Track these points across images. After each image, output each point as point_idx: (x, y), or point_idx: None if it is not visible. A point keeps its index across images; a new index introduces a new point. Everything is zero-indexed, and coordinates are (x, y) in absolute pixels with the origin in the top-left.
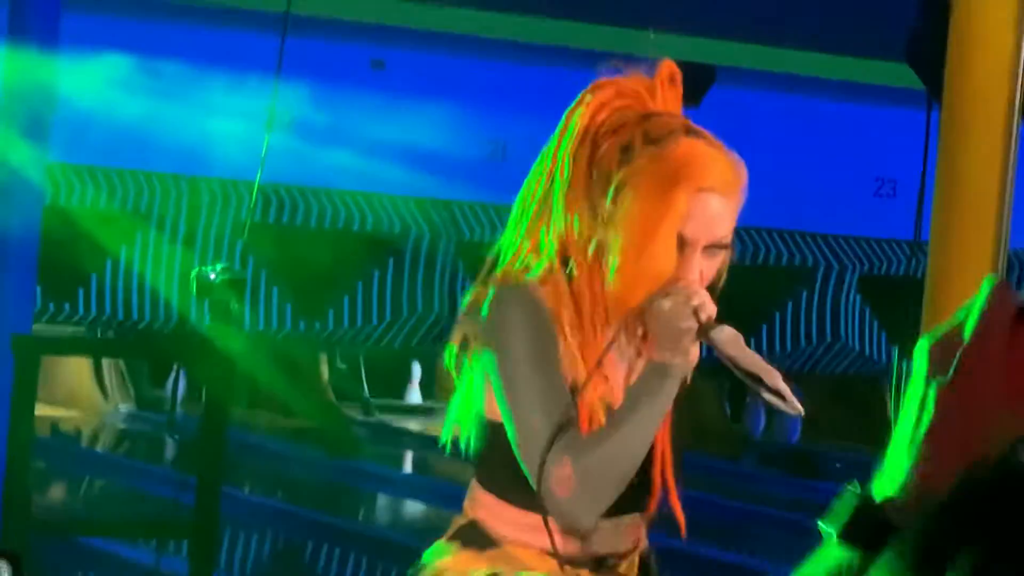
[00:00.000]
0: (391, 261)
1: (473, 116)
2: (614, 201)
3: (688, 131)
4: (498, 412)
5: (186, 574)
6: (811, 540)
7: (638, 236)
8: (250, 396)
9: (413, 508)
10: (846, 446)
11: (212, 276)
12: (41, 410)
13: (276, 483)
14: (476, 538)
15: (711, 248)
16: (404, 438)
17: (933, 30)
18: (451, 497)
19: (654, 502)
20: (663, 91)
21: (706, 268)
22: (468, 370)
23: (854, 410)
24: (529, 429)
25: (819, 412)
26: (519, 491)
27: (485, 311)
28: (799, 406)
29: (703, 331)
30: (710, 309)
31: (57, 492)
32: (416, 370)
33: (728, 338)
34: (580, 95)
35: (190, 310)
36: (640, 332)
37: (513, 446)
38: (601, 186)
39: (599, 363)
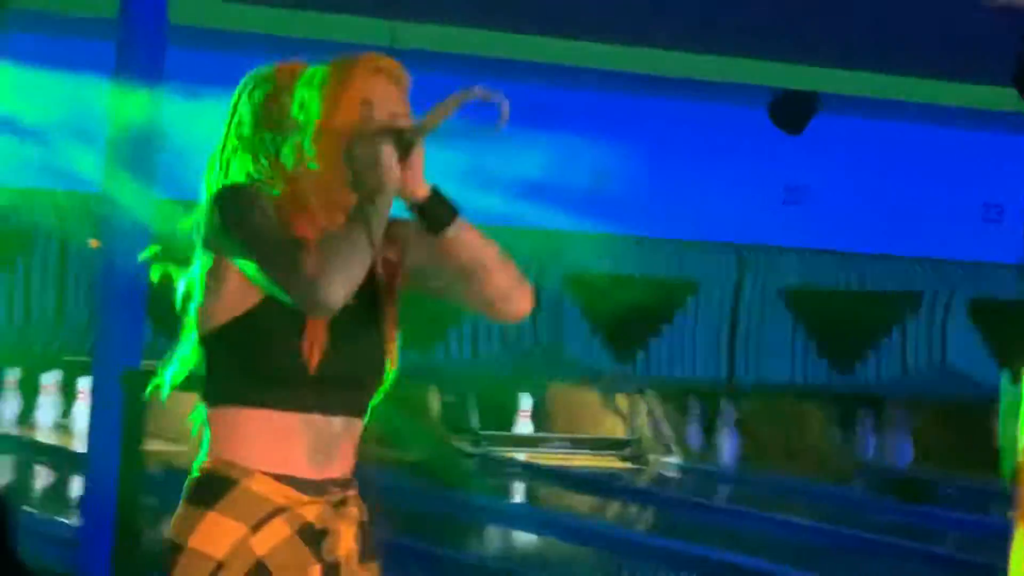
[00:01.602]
0: None
1: (573, 147)
2: (302, 108)
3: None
4: (220, 318)
5: None
6: (919, 566)
7: (330, 107)
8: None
9: (523, 539)
10: (955, 472)
11: None
12: (154, 445)
13: (383, 515)
14: (215, 487)
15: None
16: (512, 468)
17: None
18: (560, 527)
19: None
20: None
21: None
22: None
23: (963, 435)
24: (283, 260)
25: (929, 437)
26: (254, 387)
27: (211, 219)
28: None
29: (398, 138)
30: (409, 122)
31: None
32: (525, 401)
33: (414, 121)
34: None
35: None
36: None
37: (278, 290)
38: (284, 114)
39: None
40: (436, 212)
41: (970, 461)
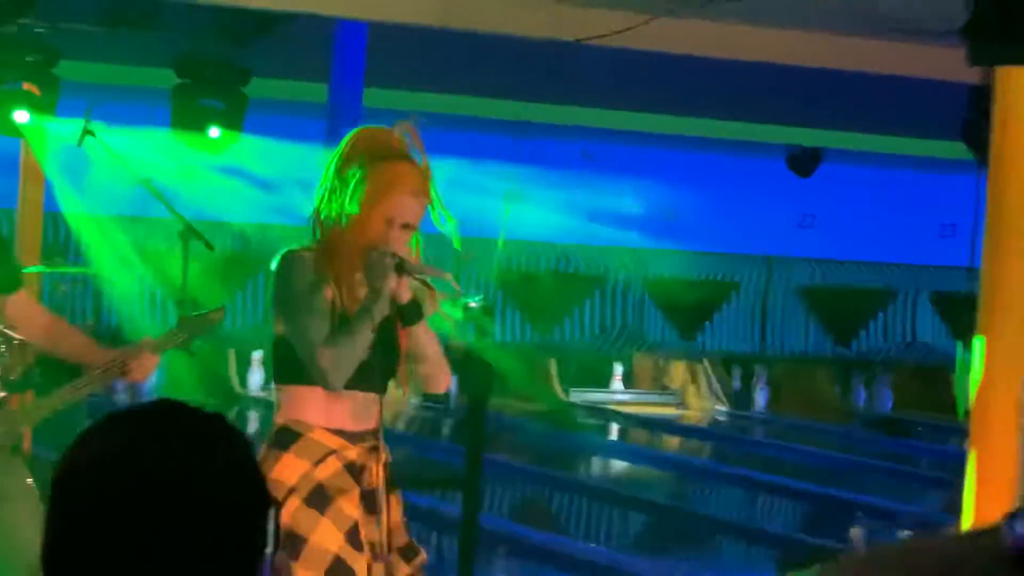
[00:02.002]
0: (597, 292)
1: (652, 190)
2: (352, 195)
3: (405, 157)
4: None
5: (459, 515)
6: (901, 480)
7: (363, 217)
8: (501, 388)
9: (617, 465)
10: (924, 414)
11: (472, 304)
12: None
13: (520, 450)
14: (287, 437)
15: (407, 226)
16: (609, 415)
17: (979, 117)
18: (641, 455)
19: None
20: (403, 141)
21: (403, 237)
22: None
23: (929, 388)
24: (307, 338)
25: (904, 390)
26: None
27: (274, 274)
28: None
29: (397, 267)
30: (409, 259)
31: None
32: (617, 368)
33: (410, 263)
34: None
35: (458, 328)
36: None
37: (297, 349)
38: (344, 184)
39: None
40: (409, 312)
41: (935, 406)
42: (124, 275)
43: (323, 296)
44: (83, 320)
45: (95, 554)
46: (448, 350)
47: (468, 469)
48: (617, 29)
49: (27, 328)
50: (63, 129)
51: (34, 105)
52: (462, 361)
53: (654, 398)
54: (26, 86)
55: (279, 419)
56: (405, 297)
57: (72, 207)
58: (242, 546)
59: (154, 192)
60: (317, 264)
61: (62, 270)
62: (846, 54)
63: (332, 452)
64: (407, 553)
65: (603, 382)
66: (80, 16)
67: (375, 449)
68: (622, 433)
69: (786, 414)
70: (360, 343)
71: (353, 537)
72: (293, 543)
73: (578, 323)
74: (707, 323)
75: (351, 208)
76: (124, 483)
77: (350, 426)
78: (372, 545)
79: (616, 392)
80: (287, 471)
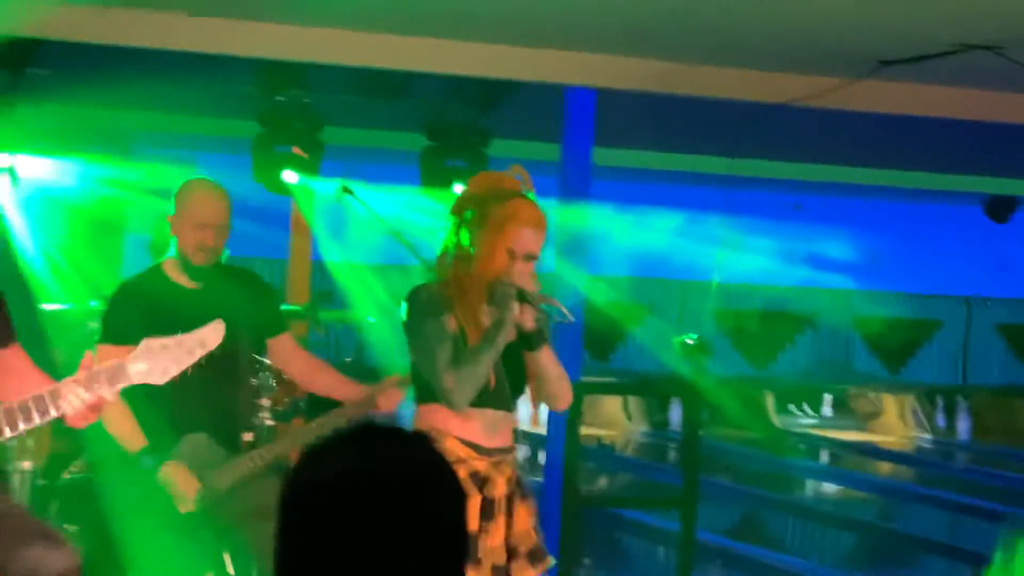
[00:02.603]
0: (808, 330)
1: (860, 236)
2: (475, 232)
3: (521, 195)
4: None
5: (678, 530)
6: None
7: (487, 250)
8: (719, 417)
9: (826, 487)
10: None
11: (689, 342)
12: (590, 430)
13: (737, 472)
14: None
15: (529, 257)
16: (819, 442)
17: None
18: (852, 479)
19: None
20: (517, 181)
21: (525, 268)
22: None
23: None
24: (433, 364)
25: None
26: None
27: (405, 308)
28: (568, 314)
29: (519, 296)
30: (527, 286)
31: (600, 481)
32: (827, 398)
33: (531, 293)
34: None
35: (679, 363)
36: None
37: (424, 373)
38: (467, 223)
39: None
40: (533, 339)
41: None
42: (379, 317)
43: (447, 326)
44: (343, 358)
45: (331, 564)
46: (669, 382)
47: (685, 489)
48: (820, 92)
49: (288, 367)
50: (326, 188)
51: (302, 167)
52: (682, 392)
53: (861, 426)
54: (295, 150)
55: (418, 424)
56: (529, 324)
57: (334, 257)
58: (457, 551)
59: (404, 243)
60: (443, 296)
61: (326, 315)
62: None
63: (460, 461)
64: (533, 557)
65: (814, 411)
66: (342, 88)
67: (501, 464)
68: (831, 458)
69: (986, 442)
70: (482, 368)
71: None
72: None
73: (790, 358)
74: (910, 358)
75: (475, 243)
76: (355, 494)
77: (481, 440)
78: (490, 545)
79: (826, 420)
80: None
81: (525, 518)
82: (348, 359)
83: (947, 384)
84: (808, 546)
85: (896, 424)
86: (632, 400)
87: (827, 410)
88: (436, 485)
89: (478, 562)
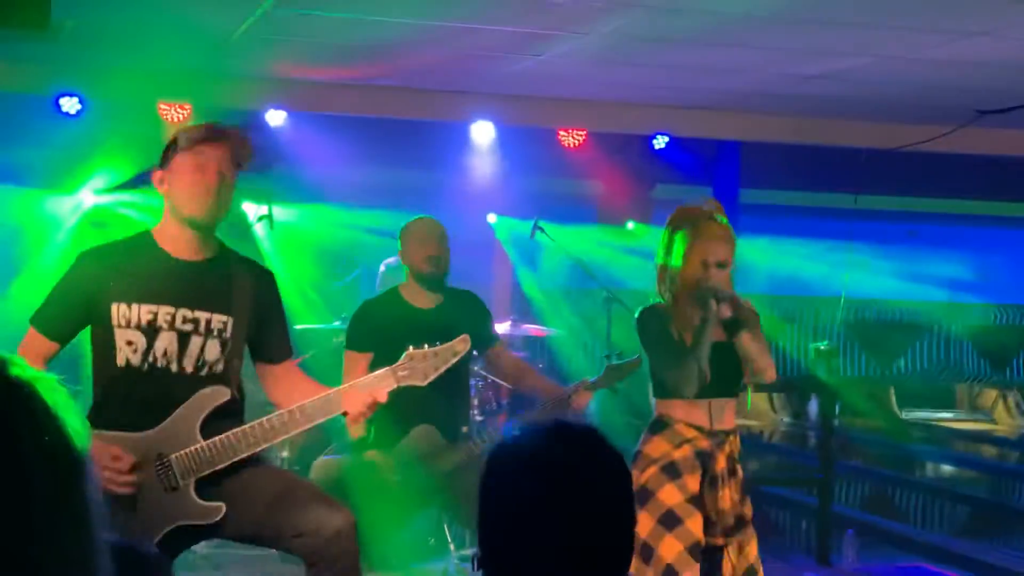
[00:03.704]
0: (926, 335)
1: (967, 257)
2: (678, 251)
3: (711, 217)
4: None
5: (817, 505)
6: None
7: (686, 263)
8: (851, 409)
9: (944, 468)
10: None
11: (822, 347)
12: (742, 422)
13: (868, 456)
14: (658, 426)
15: (720, 264)
16: (936, 430)
17: None
18: (966, 461)
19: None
20: (709, 208)
21: (719, 274)
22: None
23: None
24: (664, 365)
25: None
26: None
27: (637, 323)
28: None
29: (714, 295)
30: (722, 287)
31: (751, 464)
32: (957, 393)
33: (723, 291)
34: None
35: (813, 366)
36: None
37: (658, 374)
38: (672, 244)
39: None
40: (732, 325)
41: None
42: (568, 332)
43: (670, 332)
44: (537, 364)
45: (519, 535)
46: (807, 381)
47: (822, 469)
48: (929, 137)
49: (500, 371)
50: (522, 228)
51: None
52: (818, 389)
53: (972, 416)
54: None
55: (656, 412)
56: (726, 314)
57: (529, 282)
58: (625, 528)
59: (587, 270)
60: (664, 310)
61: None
62: None
63: (687, 440)
64: (740, 521)
65: (933, 404)
66: None
67: (723, 444)
68: (947, 443)
69: None
70: (699, 360)
71: (689, 501)
72: (644, 496)
73: (911, 359)
74: (1015, 358)
75: (678, 261)
76: (541, 478)
77: (705, 424)
78: (709, 511)
79: (941, 411)
80: (653, 449)
81: (736, 489)
82: (540, 364)
83: None
84: (930, 518)
85: (1002, 415)
86: (776, 396)
87: (944, 404)
88: (607, 473)
89: (700, 518)
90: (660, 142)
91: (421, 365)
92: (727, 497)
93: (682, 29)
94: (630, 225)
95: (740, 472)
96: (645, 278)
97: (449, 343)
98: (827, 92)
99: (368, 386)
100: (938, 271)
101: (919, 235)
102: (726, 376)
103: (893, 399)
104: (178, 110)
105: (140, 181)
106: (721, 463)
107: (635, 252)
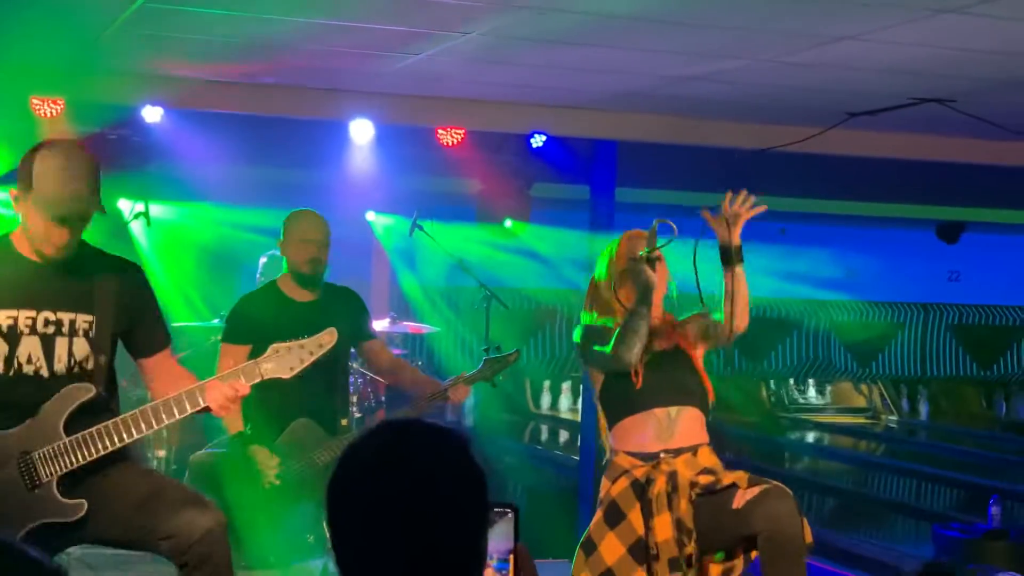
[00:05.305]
0: (795, 332)
1: (836, 256)
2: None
3: (638, 233)
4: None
5: None
6: None
7: (616, 258)
8: (724, 405)
9: (812, 460)
10: None
11: None
12: None
13: (741, 450)
14: (606, 464)
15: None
16: (805, 424)
17: None
18: (833, 454)
19: (706, 401)
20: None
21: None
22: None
23: None
24: (604, 348)
25: None
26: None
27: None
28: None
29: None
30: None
31: None
32: (809, 387)
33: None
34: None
35: None
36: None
37: (603, 368)
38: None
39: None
40: (730, 255)
41: None
42: (446, 330)
43: (602, 329)
44: (416, 361)
45: (362, 528)
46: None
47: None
48: (800, 138)
49: (377, 367)
50: (400, 226)
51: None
52: None
53: (838, 410)
54: None
55: (607, 449)
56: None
57: (408, 280)
58: (477, 548)
59: (465, 269)
60: (596, 320)
61: None
62: (975, 152)
63: (624, 472)
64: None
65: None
66: None
67: (659, 464)
68: (814, 436)
69: (943, 422)
70: (638, 326)
71: (633, 549)
72: (588, 547)
73: (781, 357)
74: (880, 354)
75: (603, 267)
76: (383, 474)
77: (650, 443)
78: (651, 544)
79: (808, 406)
80: (602, 489)
81: (682, 507)
82: (418, 361)
83: (910, 375)
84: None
85: (870, 408)
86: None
87: (808, 397)
88: (454, 472)
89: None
90: (538, 141)
91: (286, 357)
92: (665, 524)
93: (561, 29)
94: (508, 223)
95: (695, 486)
96: (523, 276)
97: (315, 336)
98: (704, 93)
99: (231, 379)
100: (807, 269)
101: (789, 233)
102: (676, 384)
103: (763, 391)
104: (51, 105)
105: (13, 178)
106: (659, 486)
107: (513, 250)
